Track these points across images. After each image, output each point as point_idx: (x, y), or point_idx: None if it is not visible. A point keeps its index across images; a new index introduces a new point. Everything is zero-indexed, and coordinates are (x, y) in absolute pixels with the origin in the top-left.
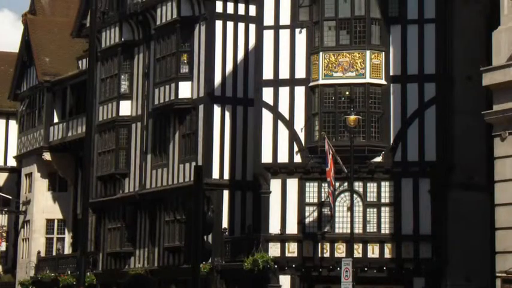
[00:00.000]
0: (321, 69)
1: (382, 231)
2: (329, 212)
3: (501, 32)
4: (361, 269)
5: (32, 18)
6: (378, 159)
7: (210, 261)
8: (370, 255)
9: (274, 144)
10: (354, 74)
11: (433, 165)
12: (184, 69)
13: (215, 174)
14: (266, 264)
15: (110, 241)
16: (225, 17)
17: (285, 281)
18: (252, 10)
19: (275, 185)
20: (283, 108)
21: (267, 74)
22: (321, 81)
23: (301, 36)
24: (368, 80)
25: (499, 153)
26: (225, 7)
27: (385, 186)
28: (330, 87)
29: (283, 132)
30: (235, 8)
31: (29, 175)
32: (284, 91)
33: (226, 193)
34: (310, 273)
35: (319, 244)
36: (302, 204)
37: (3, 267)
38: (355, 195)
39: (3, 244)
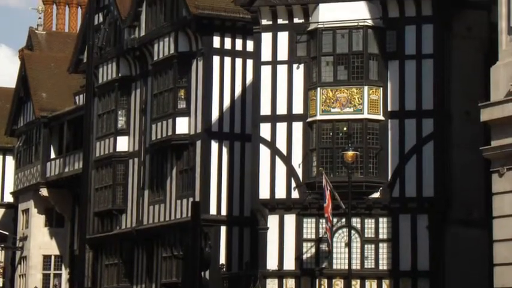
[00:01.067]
0: (318, 105)
1: (380, 267)
2: (327, 248)
3: (499, 67)
4: None
5: (29, 53)
6: (376, 195)
7: None
8: None
9: (272, 180)
10: (352, 110)
11: (431, 201)
12: (182, 105)
13: (212, 210)
14: None
15: (107, 277)
16: (222, 52)
17: None
18: (250, 45)
19: (273, 220)
20: (281, 144)
21: (265, 109)
22: (319, 117)
23: (298, 72)
24: (366, 115)
25: (497, 189)
26: (222, 42)
27: (383, 222)
28: (327, 123)
29: (280, 168)
30: (233, 43)
31: (26, 211)
32: (282, 127)
33: (223, 229)
34: None
35: (317, 280)
36: (300, 240)
37: None
38: (353, 231)
39: (0, 280)
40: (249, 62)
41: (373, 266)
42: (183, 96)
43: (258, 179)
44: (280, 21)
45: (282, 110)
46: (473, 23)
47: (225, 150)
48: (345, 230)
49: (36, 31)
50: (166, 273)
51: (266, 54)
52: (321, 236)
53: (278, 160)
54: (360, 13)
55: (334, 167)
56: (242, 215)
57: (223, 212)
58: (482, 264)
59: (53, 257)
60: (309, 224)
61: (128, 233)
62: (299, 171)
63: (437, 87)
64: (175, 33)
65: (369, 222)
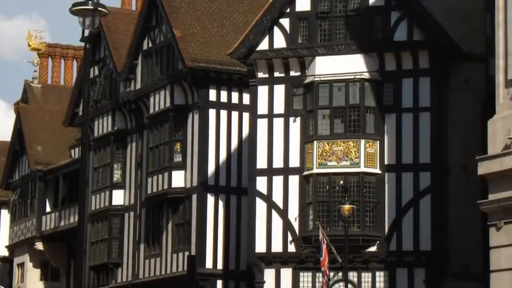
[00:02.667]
0: (315, 158)
1: None
2: None
3: (497, 120)
4: None
5: (24, 106)
6: (373, 248)
7: None
8: None
9: (268, 234)
10: (349, 163)
11: (428, 254)
12: (178, 158)
13: (208, 264)
14: None
15: None
16: (218, 105)
17: None
18: (246, 98)
19: (269, 274)
20: (277, 198)
21: (261, 163)
22: (315, 170)
23: (295, 125)
24: (362, 169)
25: (494, 243)
26: (218, 95)
27: (380, 276)
28: (324, 176)
29: (277, 221)
30: (229, 97)
31: (21, 265)
32: (278, 180)
33: (219, 283)
34: None
35: None
36: None
37: None
38: (350, 285)
39: None
40: (245, 115)
41: None
42: (179, 150)
43: (254, 232)
44: (276, 74)
45: (278, 163)
46: (471, 76)
47: (221, 204)
48: (341, 284)
49: (32, 84)
50: None
51: (262, 107)
52: None
53: (274, 213)
54: (356, 66)
55: (331, 220)
56: (238, 268)
57: (220, 265)
58: None
59: None
60: (305, 278)
61: (123, 287)
62: (295, 225)
63: (435, 140)
64: (171, 86)
65: (366, 276)
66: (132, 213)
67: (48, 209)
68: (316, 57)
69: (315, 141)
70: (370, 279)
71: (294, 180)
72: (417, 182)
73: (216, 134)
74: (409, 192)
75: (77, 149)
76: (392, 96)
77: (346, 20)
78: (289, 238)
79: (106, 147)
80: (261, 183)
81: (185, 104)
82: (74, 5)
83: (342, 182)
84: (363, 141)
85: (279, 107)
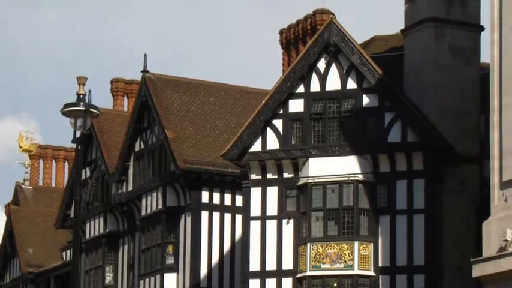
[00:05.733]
0: (308, 261)
1: None
2: None
3: (491, 222)
4: None
5: (15, 208)
6: None
7: None
8: None
9: None
10: (342, 266)
11: None
12: (170, 261)
13: None
14: None
15: None
16: (211, 207)
17: None
18: (239, 200)
19: None
20: None
21: (254, 265)
22: (309, 273)
23: (288, 227)
24: (356, 271)
25: None
26: (211, 197)
27: None
28: (317, 279)
29: None
30: (222, 198)
31: None
32: (271, 283)
33: None
34: None
35: None
36: None
37: None
38: None
39: None
40: (238, 217)
41: None
42: (171, 252)
43: None
44: (269, 175)
45: (271, 265)
46: (465, 178)
47: None
48: None
49: (23, 186)
50: None
51: (255, 209)
52: None
53: None
54: (350, 168)
55: None
56: None
57: None
58: None
59: None
60: None
61: None
62: None
63: (429, 242)
64: (164, 187)
65: None
66: None
67: None
68: (310, 159)
69: (308, 244)
70: None
71: (287, 283)
72: (411, 285)
73: (209, 236)
74: None
75: (68, 252)
76: (387, 198)
77: (339, 121)
78: None
79: (98, 249)
80: (254, 286)
81: (177, 205)
82: (65, 106)
83: (335, 285)
84: (356, 244)
85: (272, 209)
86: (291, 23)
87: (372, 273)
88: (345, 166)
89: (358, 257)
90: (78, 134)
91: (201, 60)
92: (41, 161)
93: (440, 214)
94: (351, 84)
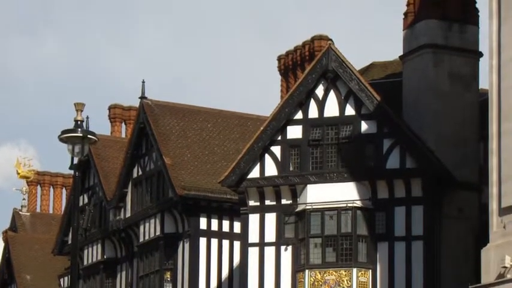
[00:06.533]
0: (307, 287)
1: None
2: None
3: (490, 249)
4: None
5: (13, 235)
6: None
7: None
8: None
9: None
10: None
11: None
12: (168, 287)
13: None
14: None
15: None
16: (209, 233)
17: None
18: (237, 227)
19: None
20: None
21: None
22: None
23: (286, 254)
24: None
25: None
26: (209, 224)
27: None
28: None
29: None
30: (220, 225)
31: None
32: None
33: None
34: None
35: None
36: None
37: None
38: None
39: None
40: (236, 244)
41: None
42: (169, 279)
43: None
44: (267, 202)
45: None
46: (464, 204)
47: None
48: None
49: (20, 212)
50: None
51: (253, 236)
52: None
53: None
54: (348, 194)
55: None
56: None
57: None
58: None
59: None
60: None
61: None
62: None
63: (427, 269)
64: (161, 214)
65: None
66: None
67: None
68: (308, 185)
69: (307, 270)
70: None
71: None
72: None
73: (207, 263)
74: None
75: (66, 278)
76: (385, 225)
77: (338, 147)
78: None
79: (96, 276)
80: None
81: (176, 232)
82: (63, 132)
83: None
84: (355, 270)
85: (270, 235)
86: (289, 49)
87: None
88: (343, 192)
89: (356, 284)
90: (76, 161)
91: (199, 87)
92: (38, 187)
93: (438, 241)
94: (349, 111)
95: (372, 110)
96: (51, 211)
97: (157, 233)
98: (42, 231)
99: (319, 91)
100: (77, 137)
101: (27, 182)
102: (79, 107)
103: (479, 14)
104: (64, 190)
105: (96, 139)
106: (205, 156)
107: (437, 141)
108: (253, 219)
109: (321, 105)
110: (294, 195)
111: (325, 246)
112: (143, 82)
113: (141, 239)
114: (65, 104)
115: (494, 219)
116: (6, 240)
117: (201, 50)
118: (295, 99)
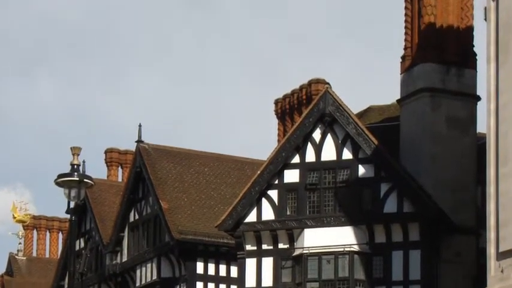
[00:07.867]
0: None
1: None
2: None
3: None
4: None
5: (9, 279)
6: None
7: None
8: None
9: None
10: None
11: None
12: None
13: None
14: None
15: None
16: (206, 278)
17: None
18: (234, 271)
19: None
20: None
21: None
22: None
23: None
24: None
25: None
26: (206, 268)
27: None
28: None
29: None
30: (217, 269)
31: None
32: None
33: None
34: None
35: None
36: None
37: None
38: None
39: None
40: None
41: None
42: None
43: None
44: (264, 246)
45: None
46: (462, 248)
47: None
48: None
49: (16, 257)
50: None
51: (250, 280)
52: None
53: None
54: (345, 238)
55: None
56: None
57: None
58: None
59: None
60: None
61: None
62: None
63: None
64: (158, 258)
65: None
66: None
67: None
68: (305, 229)
69: None
70: None
71: None
72: None
73: None
74: None
75: None
76: (382, 269)
77: (335, 191)
78: None
79: None
80: None
81: (172, 276)
82: (60, 176)
83: None
84: None
85: (267, 279)
86: (286, 93)
87: None
88: (340, 237)
89: None
90: (72, 205)
91: (195, 131)
92: (34, 231)
93: (436, 285)
94: (347, 155)
95: (369, 154)
96: (47, 255)
97: (154, 277)
98: (38, 275)
99: (316, 135)
100: (73, 181)
101: (23, 226)
102: (75, 151)
103: (477, 57)
104: (60, 234)
105: (93, 183)
106: (202, 200)
107: (435, 185)
108: (250, 263)
109: (318, 149)
110: (291, 240)
111: None
112: (140, 126)
113: (138, 284)
114: (61, 148)
115: (492, 264)
116: (2, 285)
117: (197, 94)
118: (292, 143)
